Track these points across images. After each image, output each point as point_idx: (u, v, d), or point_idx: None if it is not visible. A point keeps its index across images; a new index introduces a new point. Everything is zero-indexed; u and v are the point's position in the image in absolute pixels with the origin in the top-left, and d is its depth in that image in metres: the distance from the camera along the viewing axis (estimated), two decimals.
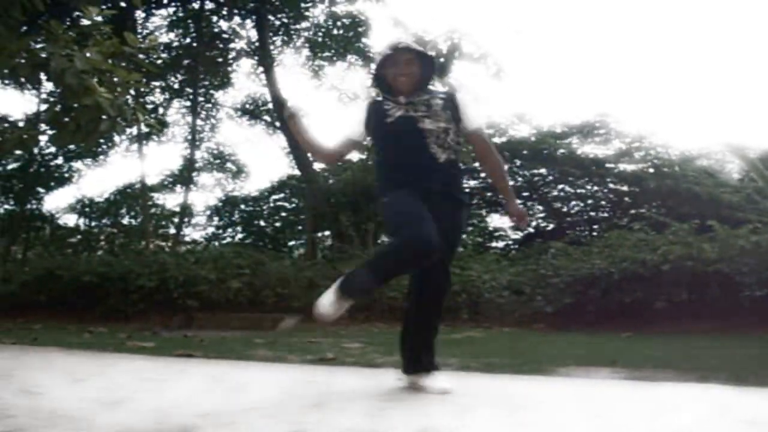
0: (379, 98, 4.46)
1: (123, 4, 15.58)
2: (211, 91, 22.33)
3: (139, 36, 11.62)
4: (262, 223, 23.31)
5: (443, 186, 4.19)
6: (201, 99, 21.81)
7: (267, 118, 22.37)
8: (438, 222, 3.96)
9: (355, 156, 18.99)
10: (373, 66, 4.54)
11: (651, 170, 18.68)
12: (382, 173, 4.38)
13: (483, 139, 4.43)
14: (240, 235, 22.99)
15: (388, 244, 4.32)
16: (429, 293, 4.33)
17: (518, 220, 4.59)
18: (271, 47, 20.75)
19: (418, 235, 3.85)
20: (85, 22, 7.10)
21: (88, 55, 6.44)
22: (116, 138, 20.07)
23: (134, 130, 18.17)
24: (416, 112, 4.22)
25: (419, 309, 4.38)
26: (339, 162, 4.14)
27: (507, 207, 4.58)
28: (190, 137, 21.68)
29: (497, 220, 22.54)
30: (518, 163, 20.45)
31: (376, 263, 4.05)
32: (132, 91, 9.23)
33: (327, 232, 19.95)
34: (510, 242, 21.87)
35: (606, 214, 20.47)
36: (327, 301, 3.98)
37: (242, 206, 23.45)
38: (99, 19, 6.66)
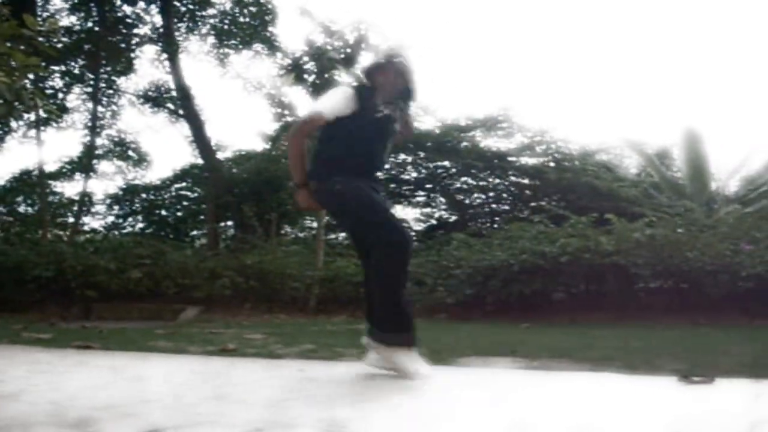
0: (367, 88, 4.60)
1: None
2: (113, 78, 21.88)
3: (38, 18, 11.33)
4: (163, 212, 22.97)
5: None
6: (102, 85, 21.36)
7: (170, 105, 22.02)
8: None
9: (258, 146, 18.89)
10: (365, 66, 4.79)
11: (552, 164, 18.99)
12: (343, 160, 4.45)
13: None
14: (141, 225, 22.61)
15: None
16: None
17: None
18: (176, 34, 20.47)
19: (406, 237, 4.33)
20: None
21: None
22: (13, 123, 19.55)
23: (32, 116, 17.71)
24: (393, 113, 4.52)
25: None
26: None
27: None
28: (90, 124, 21.22)
29: (400, 212, 22.64)
30: (422, 155, 20.57)
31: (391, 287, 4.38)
32: (30, 76, 9.00)
33: (230, 222, 19.80)
34: (413, 234, 21.98)
35: (507, 207, 20.75)
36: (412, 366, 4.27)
37: (143, 195, 23.05)
38: None
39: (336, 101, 4.49)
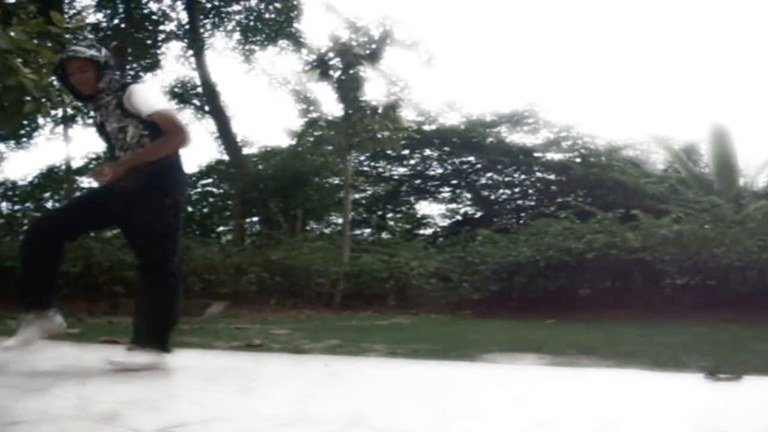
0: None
1: None
2: (140, 74, 21.98)
3: (65, 15, 11.41)
4: (189, 208, 23.07)
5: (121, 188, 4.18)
6: (129, 81, 21.47)
7: (196, 102, 22.12)
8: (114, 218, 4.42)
9: (284, 142, 18.95)
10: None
11: (578, 159, 18.96)
12: None
13: (160, 121, 4.23)
14: None
15: None
16: None
17: (96, 173, 4.42)
18: (202, 30, 20.54)
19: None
20: (10, 0, 6.96)
21: (12, 34, 6.31)
22: (41, 120, 19.67)
23: (59, 112, 17.82)
24: (102, 116, 4.31)
25: None
26: None
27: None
28: None
29: (425, 207, 22.65)
30: (447, 150, 20.57)
31: None
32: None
33: (255, 218, 19.86)
34: (438, 229, 22.00)
35: (533, 203, 20.74)
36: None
37: None
38: None
39: None
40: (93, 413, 2.89)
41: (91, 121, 4.47)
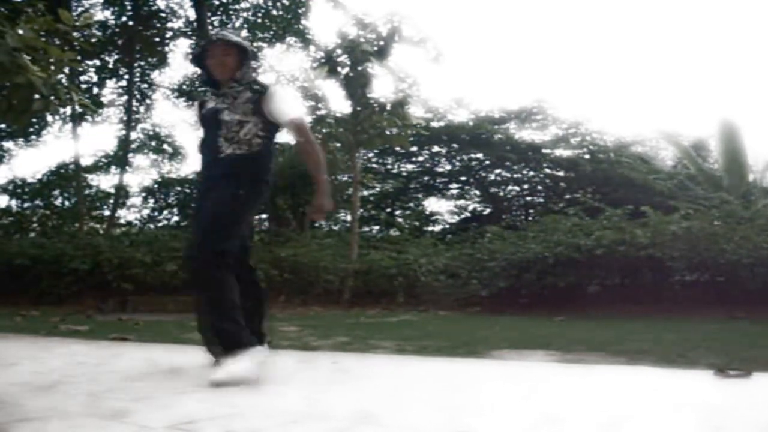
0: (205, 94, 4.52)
1: None
2: (148, 71, 22.04)
3: (73, 13, 11.40)
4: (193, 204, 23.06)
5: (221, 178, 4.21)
6: (137, 79, 21.53)
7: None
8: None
9: (292, 139, 18.95)
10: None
11: (586, 156, 18.94)
12: None
13: (295, 128, 4.36)
14: (176, 218, 22.73)
15: None
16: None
17: (316, 213, 4.48)
18: (210, 27, 20.55)
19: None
20: None
21: (20, 32, 6.31)
22: (49, 118, 19.74)
23: (68, 110, 17.87)
24: (222, 103, 4.29)
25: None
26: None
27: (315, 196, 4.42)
28: (125, 118, 21.39)
29: (434, 204, 22.66)
30: (456, 147, 20.57)
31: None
32: (66, 70, 9.07)
33: (264, 215, 19.86)
34: (446, 226, 22.00)
35: (541, 199, 20.73)
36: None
37: (178, 188, 23.16)
38: None
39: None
40: (103, 410, 2.90)
41: (194, 104, 4.42)
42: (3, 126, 18.19)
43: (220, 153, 4.19)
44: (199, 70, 4.54)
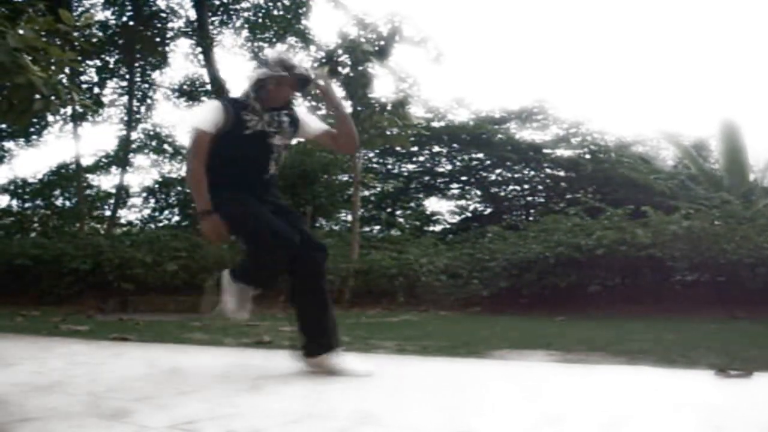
0: (237, 101, 4.40)
1: None
2: (148, 71, 22.04)
3: (74, 13, 11.39)
4: None
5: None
6: (137, 79, 21.54)
7: (205, 99, 22.14)
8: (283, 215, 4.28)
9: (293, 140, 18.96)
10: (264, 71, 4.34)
11: (587, 156, 18.95)
12: (220, 179, 4.27)
13: (331, 135, 4.56)
14: (177, 218, 22.71)
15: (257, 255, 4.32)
16: (310, 273, 4.31)
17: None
18: (210, 27, 20.57)
19: (284, 237, 4.09)
20: None
21: (20, 32, 6.31)
22: (50, 118, 19.74)
23: (69, 110, 17.87)
24: (269, 127, 4.30)
25: (310, 291, 4.32)
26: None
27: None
28: (126, 118, 21.40)
29: (435, 204, 22.66)
30: (456, 147, 20.58)
31: (251, 273, 4.41)
32: (67, 70, 9.06)
33: None
34: (447, 226, 22.00)
35: (542, 199, 20.72)
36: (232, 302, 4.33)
37: (179, 188, 23.13)
38: None
39: (206, 115, 4.34)
40: (103, 410, 2.90)
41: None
42: (4, 126, 18.20)
43: (266, 174, 4.35)
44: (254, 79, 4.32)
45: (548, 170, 20.20)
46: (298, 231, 4.20)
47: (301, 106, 4.44)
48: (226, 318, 4.36)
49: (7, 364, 4.52)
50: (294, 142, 4.66)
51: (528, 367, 4.63)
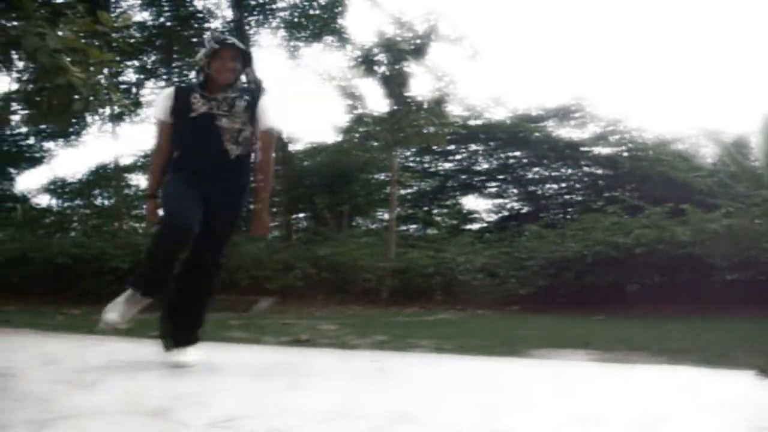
0: (185, 87, 4.65)
1: None
2: (186, 71, 22.16)
3: (112, 14, 11.48)
4: None
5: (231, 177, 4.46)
6: (175, 79, 21.66)
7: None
8: (218, 207, 4.34)
9: (330, 138, 19.03)
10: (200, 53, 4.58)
11: (626, 154, 18.78)
12: (173, 163, 4.48)
13: (270, 139, 4.55)
14: None
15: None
16: (197, 271, 4.50)
17: (257, 230, 4.80)
18: (247, 27, 20.63)
19: (176, 222, 4.18)
20: (58, 0, 7.03)
21: (60, 33, 6.38)
22: (89, 118, 19.90)
23: (107, 110, 18.00)
24: (218, 110, 4.38)
25: (189, 287, 4.56)
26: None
27: (254, 212, 4.71)
28: None
29: (472, 203, 22.58)
30: (494, 145, 20.50)
31: (143, 263, 4.63)
32: (105, 71, 9.14)
33: (302, 215, 19.92)
34: (485, 225, 21.91)
35: (580, 197, 20.56)
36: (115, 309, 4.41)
37: None
38: None
39: (160, 104, 4.53)
40: (143, 408, 2.92)
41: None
42: (44, 126, 18.34)
43: (228, 156, 4.40)
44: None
45: (586, 168, 20.04)
46: (211, 233, 4.32)
47: (270, 97, 4.44)
48: (104, 328, 4.47)
49: (48, 362, 4.56)
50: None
51: (566, 367, 4.60)
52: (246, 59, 4.52)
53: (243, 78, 4.64)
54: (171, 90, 4.60)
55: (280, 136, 4.36)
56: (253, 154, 4.56)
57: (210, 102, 4.38)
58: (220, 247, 4.53)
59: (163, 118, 4.44)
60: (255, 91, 4.48)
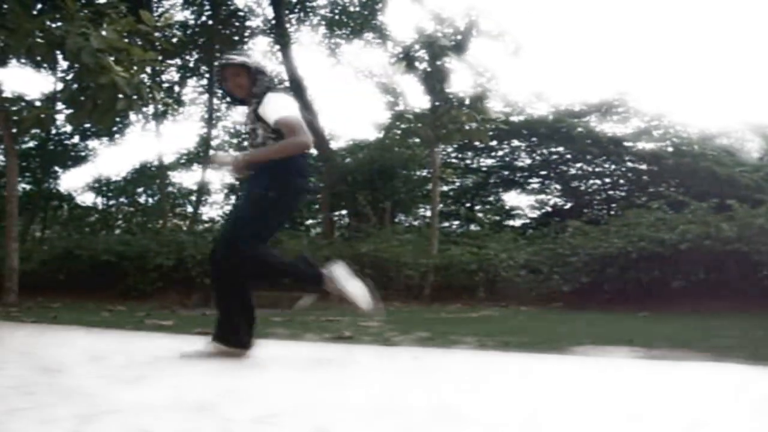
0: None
1: None
2: None
3: (154, 14, 11.57)
4: None
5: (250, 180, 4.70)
6: (217, 77, 21.83)
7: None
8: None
9: (371, 135, 19.06)
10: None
11: (670, 149, 18.61)
12: None
13: (285, 128, 4.54)
14: None
15: None
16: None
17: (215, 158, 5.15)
18: (288, 25, 20.73)
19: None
20: (101, 0, 7.11)
21: (103, 33, 6.45)
22: (132, 117, 20.13)
23: (150, 109, 18.20)
24: (246, 118, 4.84)
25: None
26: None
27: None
28: (206, 116, 21.71)
29: (514, 199, 22.52)
30: (535, 141, 20.42)
31: None
32: (148, 70, 9.21)
33: (344, 211, 19.97)
34: (527, 221, 21.85)
35: (624, 193, 20.44)
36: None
37: None
38: None
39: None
40: (187, 403, 2.93)
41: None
42: (88, 125, 18.57)
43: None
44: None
45: (630, 164, 19.91)
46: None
47: (273, 94, 4.61)
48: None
49: (94, 357, 4.60)
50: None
51: (610, 364, 4.56)
52: (249, 71, 4.71)
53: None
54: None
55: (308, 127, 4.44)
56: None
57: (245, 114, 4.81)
58: (224, 241, 4.75)
59: None
60: (261, 94, 4.60)
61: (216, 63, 4.70)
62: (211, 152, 19.46)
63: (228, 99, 5.06)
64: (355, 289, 4.67)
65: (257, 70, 4.71)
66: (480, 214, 22.56)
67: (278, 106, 4.57)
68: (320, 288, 4.70)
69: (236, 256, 4.57)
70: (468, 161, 22.20)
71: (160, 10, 19.55)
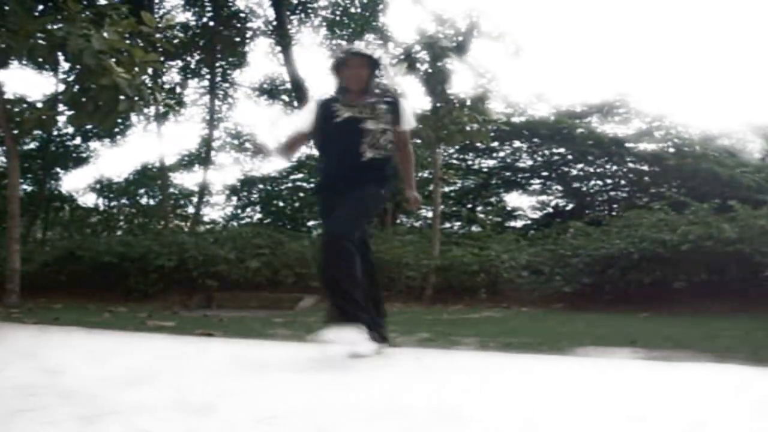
0: (328, 98, 4.91)
1: None
2: (229, 71, 22.35)
3: (155, 16, 11.58)
4: (280, 203, 23.27)
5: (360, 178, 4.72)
6: (218, 79, 21.84)
7: (285, 97, 22.38)
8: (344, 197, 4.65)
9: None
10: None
11: (671, 150, 18.60)
12: (318, 172, 5.04)
13: (406, 137, 4.97)
14: (258, 215, 23.01)
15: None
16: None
17: (411, 205, 5.23)
18: (289, 26, 20.75)
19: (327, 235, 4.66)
20: (102, 1, 7.12)
21: (105, 35, 6.46)
22: (134, 118, 20.14)
23: (152, 110, 18.21)
24: (361, 113, 4.73)
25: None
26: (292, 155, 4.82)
27: (405, 192, 5.24)
28: (207, 117, 21.73)
29: (515, 200, 22.52)
30: (537, 142, 20.42)
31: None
32: (149, 71, 9.22)
33: None
34: (529, 222, 21.84)
35: (625, 194, 20.43)
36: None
37: (261, 186, 23.42)
38: None
39: (301, 116, 5.09)
40: (189, 405, 2.94)
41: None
42: (90, 127, 18.57)
43: (362, 157, 4.70)
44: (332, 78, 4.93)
45: (631, 164, 19.90)
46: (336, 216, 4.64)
47: (407, 101, 4.79)
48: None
49: (96, 358, 4.61)
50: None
51: (611, 365, 4.56)
52: (373, 65, 4.81)
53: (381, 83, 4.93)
54: (313, 103, 4.96)
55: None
56: (385, 158, 4.82)
57: (353, 108, 4.73)
58: (340, 218, 4.63)
59: (300, 127, 4.95)
60: (394, 95, 4.72)
61: (342, 46, 4.81)
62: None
63: (321, 102, 4.91)
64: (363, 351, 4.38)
65: (379, 68, 4.89)
66: (481, 215, 22.53)
67: (412, 117, 4.91)
68: (344, 321, 4.47)
69: (355, 233, 4.58)
70: (469, 162, 22.20)
71: (162, 11, 19.60)
